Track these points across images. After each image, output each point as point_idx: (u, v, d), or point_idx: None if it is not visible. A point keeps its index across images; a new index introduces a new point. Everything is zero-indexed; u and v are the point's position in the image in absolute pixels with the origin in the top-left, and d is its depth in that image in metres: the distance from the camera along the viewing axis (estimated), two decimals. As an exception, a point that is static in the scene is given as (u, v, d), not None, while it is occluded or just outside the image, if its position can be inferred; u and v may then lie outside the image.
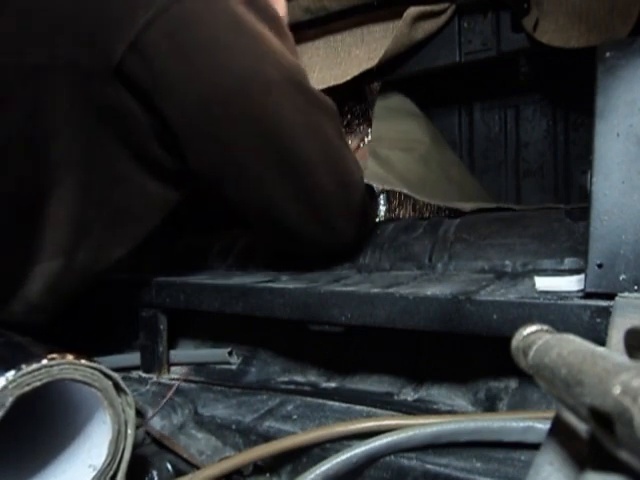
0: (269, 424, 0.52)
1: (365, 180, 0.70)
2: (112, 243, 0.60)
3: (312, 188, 0.59)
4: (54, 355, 0.42)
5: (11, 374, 0.39)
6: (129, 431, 0.45)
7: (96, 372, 0.43)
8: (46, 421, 0.49)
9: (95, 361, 0.44)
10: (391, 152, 0.85)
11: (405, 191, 0.75)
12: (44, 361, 0.41)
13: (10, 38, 0.50)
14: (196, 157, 0.57)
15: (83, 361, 0.43)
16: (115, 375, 0.44)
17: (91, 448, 0.45)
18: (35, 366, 0.40)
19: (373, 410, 0.52)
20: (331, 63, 0.94)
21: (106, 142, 0.55)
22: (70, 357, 0.42)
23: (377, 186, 0.79)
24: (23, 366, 0.39)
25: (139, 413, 0.56)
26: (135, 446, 0.46)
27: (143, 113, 0.54)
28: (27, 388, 0.39)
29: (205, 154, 0.57)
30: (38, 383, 0.40)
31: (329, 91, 0.86)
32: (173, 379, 0.66)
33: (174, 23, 0.50)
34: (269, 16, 0.57)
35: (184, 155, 0.58)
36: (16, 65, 0.50)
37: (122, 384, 0.45)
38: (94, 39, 0.50)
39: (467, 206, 0.76)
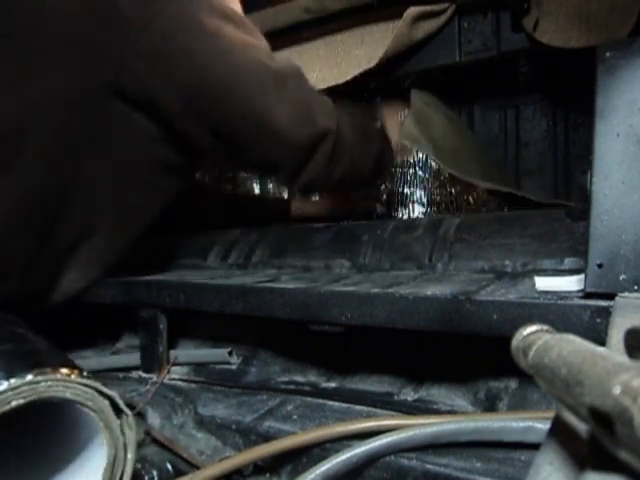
0: (269, 424, 0.52)
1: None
2: (123, 230, 0.68)
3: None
4: (44, 369, 0.36)
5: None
6: (129, 455, 0.40)
7: (90, 390, 0.38)
8: (50, 438, 0.45)
9: (90, 377, 0.39)
10: (435, 113, 0.87)
11: (432, 156, 0.77)
12: (29, 377, 0.36)
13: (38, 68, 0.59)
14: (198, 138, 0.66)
15: (75, 377, 0.38)
16: (113, 394, 0.39)
17: (89, 473, 0.40)
18: (17, 382, 0.35)
19: (373, 410, 0.52)
20: (331, 63, 0.94)
21: (121, 149, 0.64)
22: (63, 371, 0.37)
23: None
24: (3, 382, 0.35)
25: (139, 413, 0.56)
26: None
27: (148, 120, 0.63)
28: (7, 407, 0.35)
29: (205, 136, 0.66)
30: (21, 401, 0.35)
31: (329, 91, 0.86)
32: (173, 379, 0.66)
33: (152, 40, 0.59)
34: (228, 14, 0.65)
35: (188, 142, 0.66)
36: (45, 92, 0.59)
37: (121, 404, 0.40)
38: (91, 63, 0.59)
39: (486, 185, 0.79)
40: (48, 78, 0.59)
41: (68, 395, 0.37)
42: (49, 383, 0.37)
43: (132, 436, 0.40)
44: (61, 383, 0.37)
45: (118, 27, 0.58)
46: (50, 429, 0.45)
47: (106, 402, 0.39)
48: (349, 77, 0.90)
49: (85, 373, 0.40)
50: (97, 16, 0.59)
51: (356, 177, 0.77)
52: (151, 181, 0.68)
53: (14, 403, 0.35)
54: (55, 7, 0.60)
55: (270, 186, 1.24)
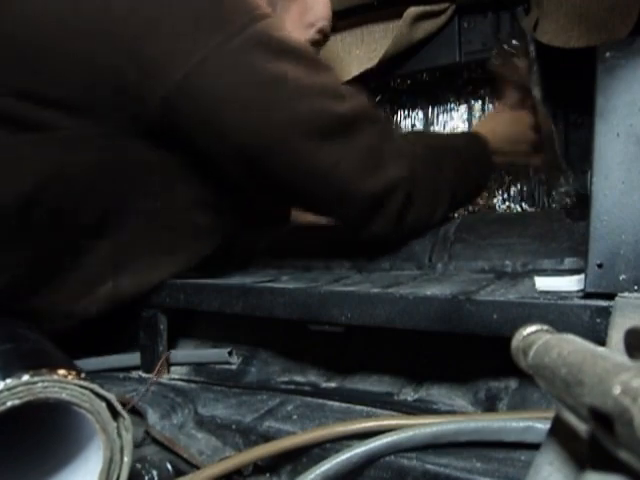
0: (269, 424, 0.52)
1: None
2: (156, 269, 0.64)
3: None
4: (41, 370, 0.36)
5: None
6: (125, 459, 0.40)
7: (87, 392, 0.38)
8: (47, 439, 0.45)
9: (87, 379, 0.39)
10: None
11: None
12: (25, 377, 0.35)
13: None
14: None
15: (71, 378, 0.37)
16: (109, 396, 0.39)
17: (86, 475, 0.40)
18: (13, 382, 0.35)
19: (373, 410, 0.52)
20: (331, 63, 0.94)
21: (163, 189, 0.59)
22: (60, 372, 0.37)
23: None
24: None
25: (138, 413, 0.56)
26: (135, 446, 0.44)
27: (188, 163, 0.59)
28: (3, 407, 0.35)
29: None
30: (17, 401, 0.35)
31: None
32: (173, 379, 0.66)
33: (198, 84, 0.52)
34: (292, 51, 0.56)
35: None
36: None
37: (118, 406, 0.39)
38: (123, 108, 0.53)
39: None
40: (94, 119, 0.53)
41: (64, 396, 0.37)
42: (45, 384, 0.36)
43: (129, 439, 0.40)
44: (57, 384, 0.37)
45: (158, 70, 0.52)
46: (46, 430, 0.45)
47: (103, 404, 0.39)
48: (349, 77, 0.90)
49: (83, 374, 0.40)
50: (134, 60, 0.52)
51: (434, 215, 0.68)
52: (193, 223, 0.64)
53: (9, 403, 0.35)
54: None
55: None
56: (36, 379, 0.36)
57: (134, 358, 0.69)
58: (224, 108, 0.53)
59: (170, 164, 0.58)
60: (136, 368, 0.69)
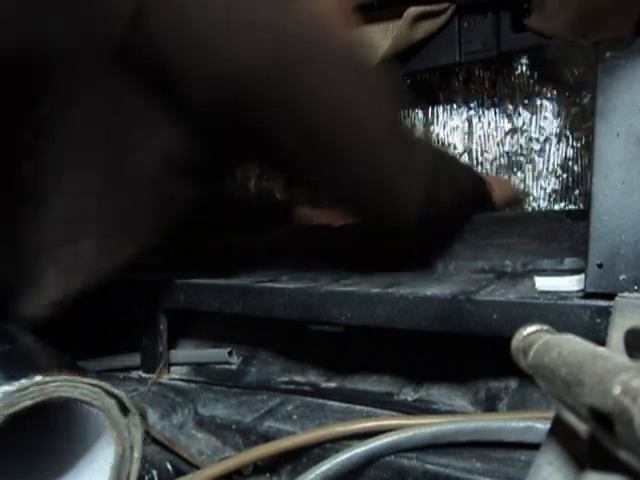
0: (269, 424, 0.52)
1: None
2: (119, 240, 0.56)
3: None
4: (51, 371, 0.37)
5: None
6: (135, 455, 0.40)
7: (97, 389, 0.39)
8: (56, 438, 0.45)
9: (96, 378, 0.40)
10: None
11: None
12: (37, 377, 0.36)
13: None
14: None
15: (82, 377, 0.38)
16: (120, 393, 0.40)
17: (96, 472, 0.41)
18: (26, 383, 0.35)
19: (373, 410, 0.52)
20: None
21: (130, 137, 0.50)
22: (69, 372, 0.38)
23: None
24: (13, 383, 0.35)
25: (139, 413, 0.56)
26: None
27: (165, 103, 0.48)
28: (17, 407, 0.35)
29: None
30: (29, 402, 0.35)
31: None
32: (173, 379, 0.66)
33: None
34: None
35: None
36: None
37: (128, 403, 0.40)
38: (95, 23, 0.45)
39: None
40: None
41: (77, 395, 0.38)
42: (57, 384, 0.37)
43: (138, 435, 0.40)
44: (69, 383, 0.37)
45: None
46: (56, 430, 0.45)
47: (113, 401, 0.39)
48: (349, 77, 0.90)
49: (88, 374, 0.41)
50: None
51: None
52: (163, 185, 0.55)
53: (23, 404, 0.36)
54: None
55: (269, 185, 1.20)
56: (48, 379, 0.36)
57: (134, 358, 0.69)
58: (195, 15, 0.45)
59: (137, 97, 0.48)
60: (136, 368, 0.69)
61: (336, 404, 0.54)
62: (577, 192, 0.96)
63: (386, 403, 0.53)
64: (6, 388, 0.35)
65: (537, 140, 0.99)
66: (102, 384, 0.39)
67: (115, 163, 0.53)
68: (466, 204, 0.70)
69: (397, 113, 0.56)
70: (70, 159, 0.51)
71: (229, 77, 0.46)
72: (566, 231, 0.58)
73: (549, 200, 0.97)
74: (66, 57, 0.46)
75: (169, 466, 0.52)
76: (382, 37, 0.89)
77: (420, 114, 1.08)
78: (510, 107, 1.00)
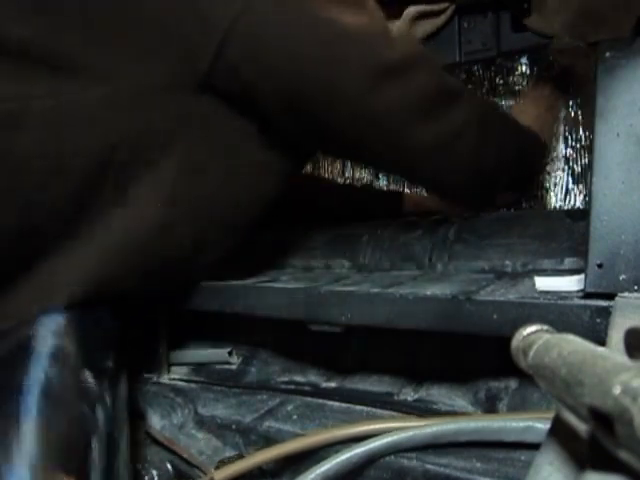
0: (269, 424, 0.52)
1: None
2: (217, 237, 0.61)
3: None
4: None
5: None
6: None
7: None
8: None
9: None
10: None
11: None
12: None
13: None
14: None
15: None
16: None
17: None
18: None
19: (373, 410, 0.52)
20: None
21: (208, 154, 0.56)
22: None
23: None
24: None
25: (139, 413, 0.56)
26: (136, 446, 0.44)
27: (244, 118, 0.56)
28: None
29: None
30: None
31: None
32: (173, 379, 0.67)
33: (249, 30, 0.50)
34: None
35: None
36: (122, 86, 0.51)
37: None
38: (183, 55, 0.51)
39: None
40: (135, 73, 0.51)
41: None
42: None
43: None
44: None
45: (210, 16, 0.50)
46: None
47: None
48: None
49: None
50: (190, 8, 0.51)
51: (505, 172, 0.66)
52: (259, 188, 0.62)
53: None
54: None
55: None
56: None
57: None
58: (272, 48, 0.51)
59: (231, 122, 0.57)
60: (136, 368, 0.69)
61: (336, 404, 0.54)
62: (577, 192, 0.96)
63: (386, 403, 0.53)
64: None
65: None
66: None
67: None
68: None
69: None
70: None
71: None
72: (566, 231, 0.57)
73: (548, 200, 0.96)
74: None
75: (169, 466, 0.52)
76: (382, 37, 0.89)
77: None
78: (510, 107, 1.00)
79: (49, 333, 0.49)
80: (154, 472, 0.51)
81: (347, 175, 1.12)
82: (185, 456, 0.51)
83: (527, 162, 0.74)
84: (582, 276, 0.43)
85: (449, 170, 0.60)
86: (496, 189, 0.69)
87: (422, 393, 0.55)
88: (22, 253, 0.52)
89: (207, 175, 0.57)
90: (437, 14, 0.85)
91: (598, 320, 0.39)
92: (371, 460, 0.43)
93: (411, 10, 0.82)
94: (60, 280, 0.52)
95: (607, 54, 0.43)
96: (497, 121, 0.66)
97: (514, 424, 0.41)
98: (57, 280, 0.52)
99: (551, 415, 0.24)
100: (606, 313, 0.39)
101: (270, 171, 0.62)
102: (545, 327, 0.23)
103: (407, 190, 1.02)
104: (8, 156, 0.48)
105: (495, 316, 0.43)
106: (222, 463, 0.49)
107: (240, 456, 0.50)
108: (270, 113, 0.56)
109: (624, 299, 0.38)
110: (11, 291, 0.52)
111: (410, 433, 0.42)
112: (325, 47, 0.52)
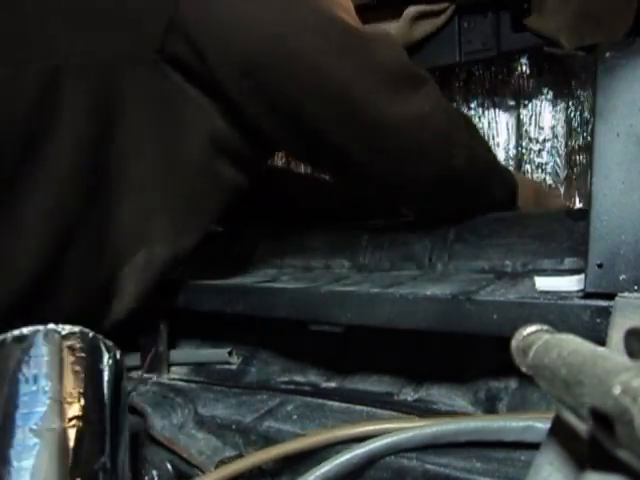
0: (269, 424, 0.52)
1: None
2: (183, 232, 0.59)
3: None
4: None
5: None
6: None
7: None
8: None
9: None
10: None
11: None
12: None
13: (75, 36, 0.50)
14: (264, 119, 0.55)
15: None
16: None
17: None
18: None
19: (373, 410, 0.52)
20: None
21: (173, 129, 0.54)
22: None
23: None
24: None
25: (139, 413, 0.56)
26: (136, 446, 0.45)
27: (202, 94, 0.53)
28: None
29: (268, 113, 0.55)
30: None
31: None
32: (173, 379, 0.67)
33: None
34: None
35: (254, 128, 0.56)
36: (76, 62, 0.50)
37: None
38: (137, 28, 0.50)
39: None
40: (93, 42, 0.50)
41: None
42: None
43: None
44: None
45: None
46: None
47: None
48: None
49: None
50: None
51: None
52: (213, 172, 0.57)
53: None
54: None
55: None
56: None
57: (134, 358, 0.69)
58: (222, 13, 0.50)
59: (186, 95, 0.54)
60: (136, 368, 0.69)
61: (336, 404, 0.54)
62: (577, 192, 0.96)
63: (386, 403, 0.53)
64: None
65: (536, 140, 1.00)
66: None
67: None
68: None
69: None
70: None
71: None
72: (566, 231, 0.57)
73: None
74: None
75: (169, 466, 0.52)
76: (382, 37, 0.89)
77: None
78: (510, 107, 1.00)
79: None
80: (154, 472, 0.51)
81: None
82: (185, 456, 0.51)
83: (494, 187, 0.69)
84: (582, 276, 0.43)
85: (417, 161, 0.56)
86: (464, 199, 0.65)
87: (422, 393, 0.55)
88: None
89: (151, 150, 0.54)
90: (437, 14, 0.85)
91: (598, 320, 0.39)
92: (371, 461, 0.43)
93: (411, 10, 0.82)
94: None
95: (607, 54, 0.43)
96: (469, 124, 0.65)
97: (514, 424, 0.41)
98: None
99: (551, 415, 0.24)
100: (606, 313, 0.39)
101: (236, 167, 0.58)
102: (545, 327, 0.23)
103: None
104: None
105: (495, 316, 0.43)
106: (222, 463, 0.49)
107: (240, 456, 0.50)
108: (224, 82, 0.52)
109: (624, 299, 0.38)
110: None
111: (410, 433, 0.42)
112: (281, 11, 0.50)
